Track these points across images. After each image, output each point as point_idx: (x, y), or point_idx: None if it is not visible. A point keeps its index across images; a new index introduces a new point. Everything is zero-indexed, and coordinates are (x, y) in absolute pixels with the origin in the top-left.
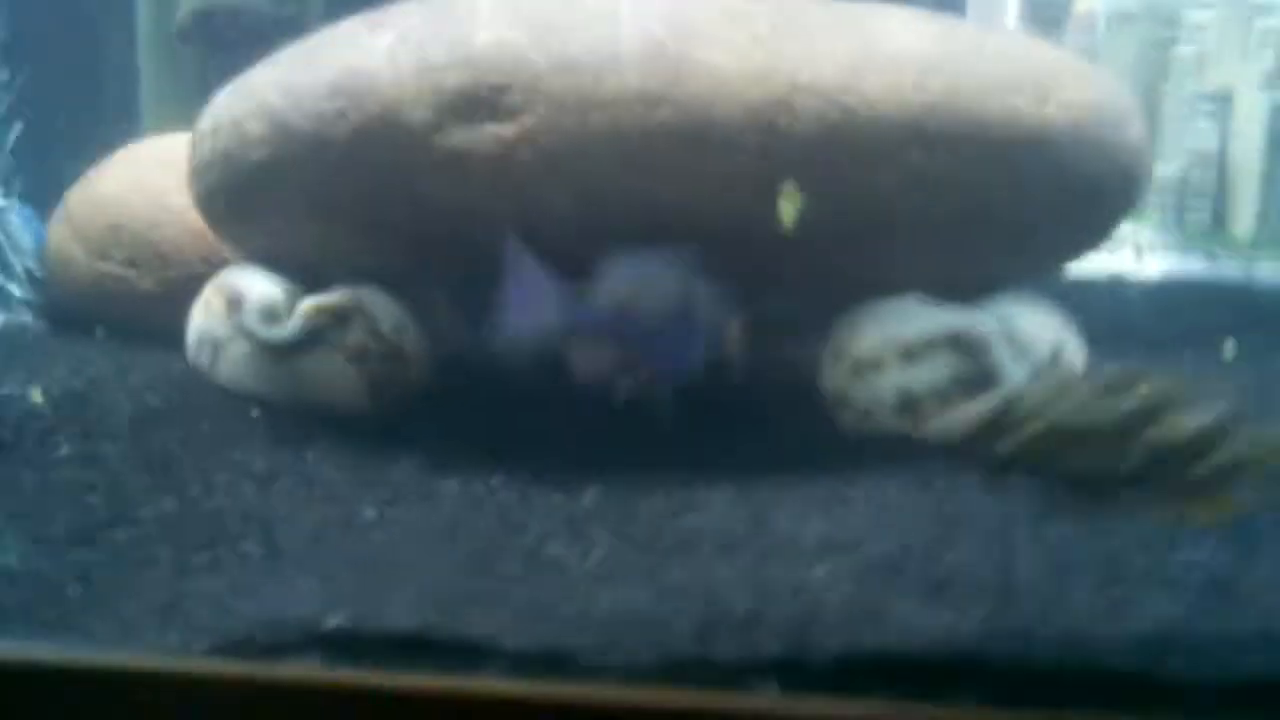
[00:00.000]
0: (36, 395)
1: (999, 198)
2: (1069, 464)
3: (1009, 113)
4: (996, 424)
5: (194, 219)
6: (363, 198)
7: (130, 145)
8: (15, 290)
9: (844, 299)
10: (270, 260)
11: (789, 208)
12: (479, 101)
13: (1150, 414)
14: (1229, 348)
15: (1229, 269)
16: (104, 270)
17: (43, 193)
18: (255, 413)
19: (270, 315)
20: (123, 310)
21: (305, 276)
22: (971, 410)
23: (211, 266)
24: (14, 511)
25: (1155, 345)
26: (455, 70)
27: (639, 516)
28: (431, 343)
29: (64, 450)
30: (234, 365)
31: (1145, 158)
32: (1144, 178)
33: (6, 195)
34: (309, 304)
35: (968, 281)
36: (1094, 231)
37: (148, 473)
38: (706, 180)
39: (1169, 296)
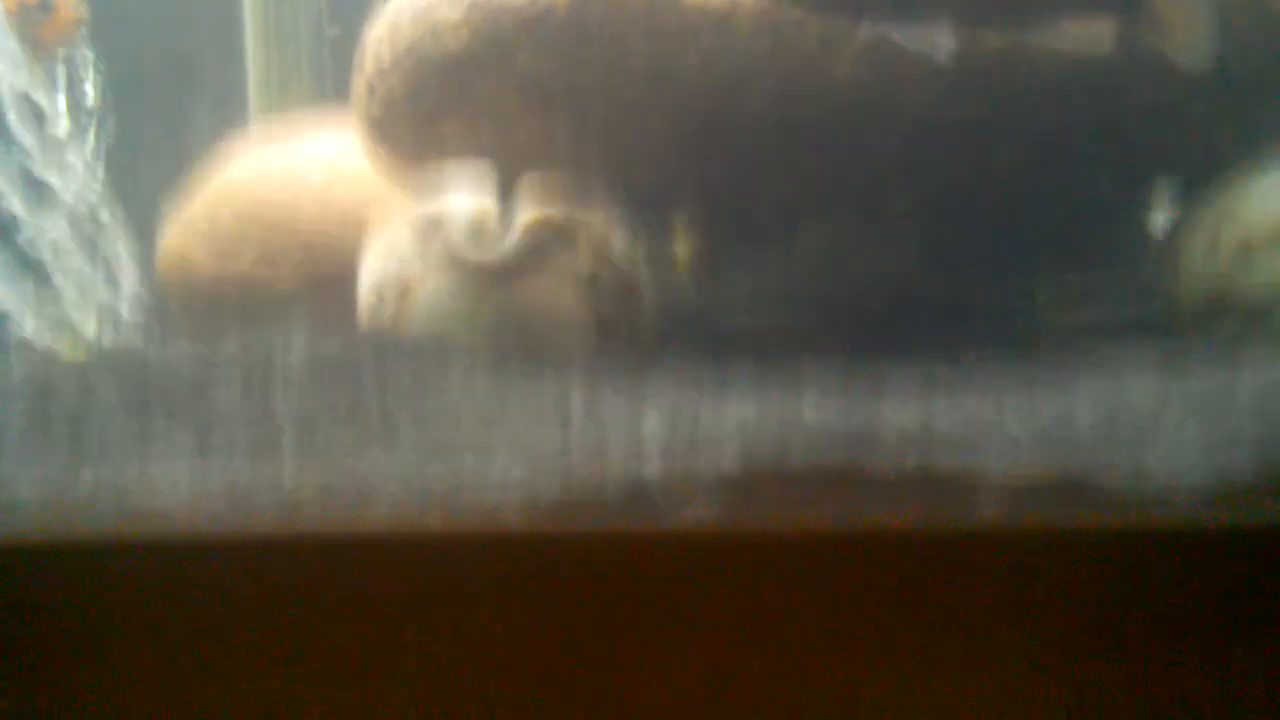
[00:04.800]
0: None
1: None
2: None
3: None
4: None
5: (343, 200)
6: (590, 82)
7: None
8: (124, 311)
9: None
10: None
11: None
12: None
13: None
14: None
15: None
16: (232, 272)
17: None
18: (463, 353)
19: (480, 232)
20: (255, 320)
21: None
22: None
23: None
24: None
25: None
26: None
27: None
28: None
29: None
30: (428, 307)
31: None
32: None
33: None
34: (531, 215)
35: None
36: None
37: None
38: None
39: None
